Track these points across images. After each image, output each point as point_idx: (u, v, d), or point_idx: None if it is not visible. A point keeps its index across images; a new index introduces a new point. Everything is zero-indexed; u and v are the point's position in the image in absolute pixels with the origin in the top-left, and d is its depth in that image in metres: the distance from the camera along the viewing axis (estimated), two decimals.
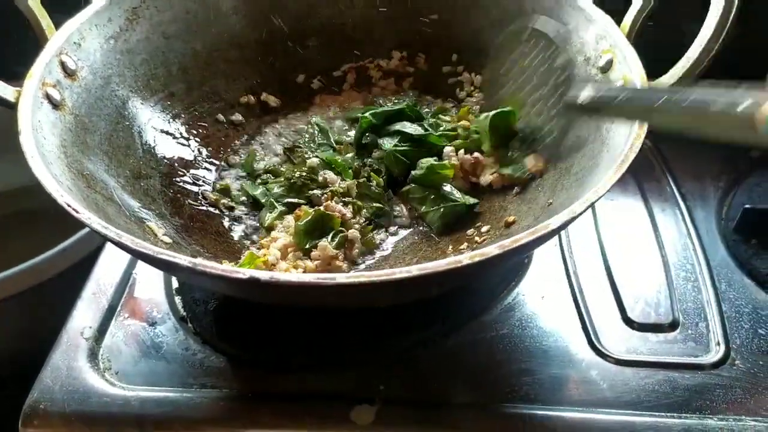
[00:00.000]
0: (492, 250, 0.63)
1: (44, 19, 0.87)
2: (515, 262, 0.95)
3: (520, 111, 0.95)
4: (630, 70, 0.83)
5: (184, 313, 0.90)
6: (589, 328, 0.87)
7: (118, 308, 0.91)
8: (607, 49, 0.88)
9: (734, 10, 0.78)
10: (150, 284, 0.94)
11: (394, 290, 0.67)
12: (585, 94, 0.80)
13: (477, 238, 0.91)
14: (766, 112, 0.49)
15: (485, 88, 1.01)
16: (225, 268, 0.62)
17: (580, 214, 0.67)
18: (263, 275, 0.61)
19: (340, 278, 0.61)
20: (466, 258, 0.62)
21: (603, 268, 0.95)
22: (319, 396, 0.80)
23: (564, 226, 0.67)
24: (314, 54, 1.14)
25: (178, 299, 0.91)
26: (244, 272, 0.61)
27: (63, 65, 0.85)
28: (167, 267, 0.68)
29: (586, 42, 0.92)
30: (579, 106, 0.81)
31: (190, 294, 0.92)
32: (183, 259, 0.62)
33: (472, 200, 0.95)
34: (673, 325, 0.88)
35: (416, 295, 0.77)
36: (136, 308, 0.91)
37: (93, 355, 0.85)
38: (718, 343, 0.85)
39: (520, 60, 0.93)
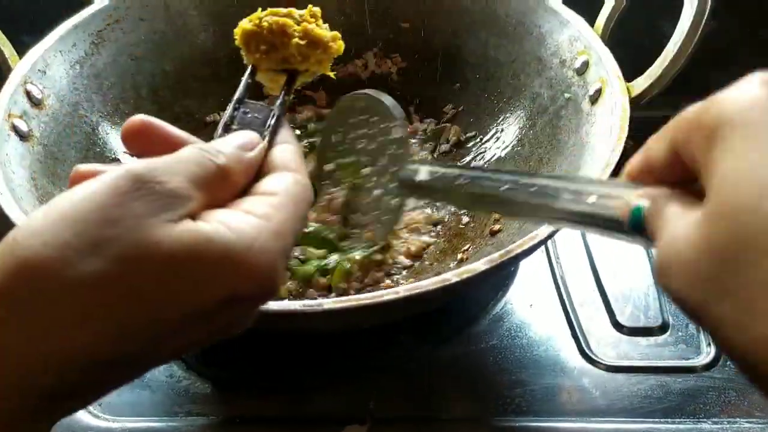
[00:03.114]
0: (480, 266, 0.62)
1: (6, 48, 0.85)
2: (503, 273, 0.94)
3: (359, 178, 0.90)
4: (606, 71, 0.83)
5: None
6: (579, 335, 0.86)
7: None
8: (581, 50, 0.88)
9: (708, 7, 0.77)
10: None
11: (383, 312, 0.66)
12: (424, 170, 0.76)
13: (464, 245, 0.91)
14: (629, 205, 0.45)
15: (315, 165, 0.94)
16: None
17: None
18: None
19: (327, 304, 0.60)
20: (454, 276, 0.61)
21: (590, 273, 0.95)
22: (308, 418, 0.79)
23: (551, 235, 0.66)
24: None
25: None
26: None
27: (29, 94, 0.83)
28: None
29: (561, 44, 0.91)
30: (415, 185, 0.77)
31: None
32: None
33: None
34: (663, 328, 0.87)
35: (405, 314, 0.77)
36: None
37: None
38: (709, 345, 0.84)
39: (357, 127, 0.88)
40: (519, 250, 0.63)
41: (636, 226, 0.43)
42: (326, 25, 0.61)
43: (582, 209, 0.50)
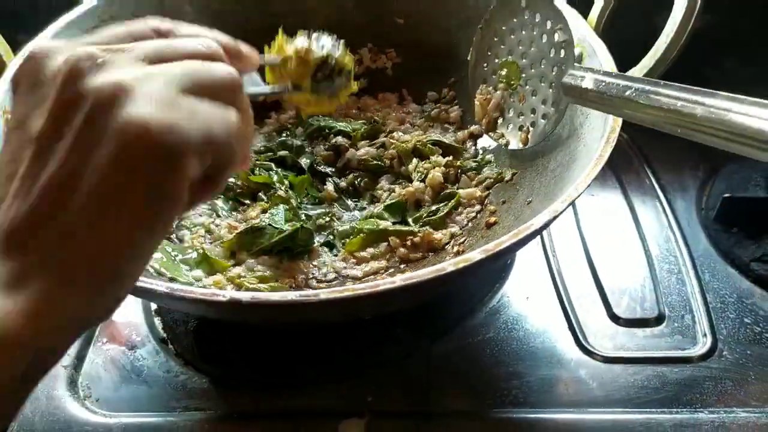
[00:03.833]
0: (475, 255, 0.62)
1: (1, 45, 0.85)
2: (499, 264, 0.94)
3: (517, 80, 0.92)
4: (600, 63, 0.83)
5: (164, 335, 0.88)
6: (576, 327, 0.86)
7: (97, 333, 0.88)
8: (576, 43, 0.87)
9: (699, 1, 0.77)
10: (128, 306, 0.91)
11: (380, 302, 0.66)
12: (590, 78, 0.78)
13: (459, 239, 0.91)
14: None
15: (474, 58, 0.98)
16: (204, 291, 0.61)
17: (562, 212, 0.66)
18: (244, 296, 0.60)
19: (324, 294, 0.59)
20: (450, 265, 0.61)
21: (586, 265, 0.95)
22: (306, 412, 0.79)
23: (546, 225, 0.66)
24: None
25: (157, 320, 0.89)
26: (224, 294, 0.59)
27: None
28: (144, 294, 0.66)
29: None
30: (580, 90, 0.79)
31: (170, 315, 0.90)
32: (160, 285, 0.61)
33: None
34: (659, 319, 0.87)
35: (402, 305, 0.76)
36: (115, 332, 0.89)
37: (72, 383, 0.82)
38: (705, 335, 0.85)
39: (517, 30, 0.91)
40: (514, 240, 0.63)
41: None
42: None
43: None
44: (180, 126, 0.37)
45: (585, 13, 0.90)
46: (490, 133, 0.96)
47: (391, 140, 1.05)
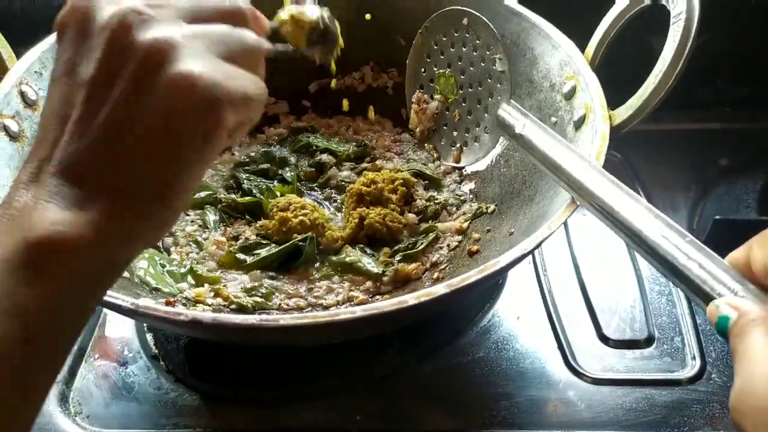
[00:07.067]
0: (439, 289, 0.63)
1: (5, 49, 0.85)
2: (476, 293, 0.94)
3: (454, 95, 0.93)
4: (591, 98, 0.83)
5: (156, 351, 0.88)
6: (565, 348, 0.87)
7: (88, 349, 0.88)
8: (570, 75, 0.88)
9: (692, 36, 0.77)
10: (120, 322, 0.92)
11: (339, 331, 0.67)
12: (522, 123, 0.80)
13: (441, 266, 0.93)
14: (718, 310, 0.48)
15: (412, 61, 1.00)
16: (167, 310, 0.63)
17: (531, 251, 0.68)
18: (206, 317, 0.61)
19: (284, 320, 0.61)
20: (412, 299, 0.62)
21: (577, 285, 0.95)
22: (296, 430, 0.80)
23: (514, 263, 0.67)
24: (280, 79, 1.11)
25: (149, 336, 0.90)
26: (187, 314, 0.61)
27: (23, 95, 0.84)
28: (110, 307, 0.66)
29: (552, 68, 0.91)
30: (514, 133, 0.80)
31: (162, 330, 0.90)
32: (125, 301, 0.62)
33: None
34: (648, 341, 0.87)
35: (367, 333, 0.78)
36: (107, 348, 0.89)
37: (63, 399, 0.82)
38: (694, 358, 0.85)
39: (457, 44, 0.91)
40: (479, 276, 0.64)
41: (720, 332, 0.45)
42: None
43: (682, 271, 0.57)
44: (222, 85, 0.42)
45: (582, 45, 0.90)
46: (424, 144, 0.98)
47: (374, 167, 1.06)
